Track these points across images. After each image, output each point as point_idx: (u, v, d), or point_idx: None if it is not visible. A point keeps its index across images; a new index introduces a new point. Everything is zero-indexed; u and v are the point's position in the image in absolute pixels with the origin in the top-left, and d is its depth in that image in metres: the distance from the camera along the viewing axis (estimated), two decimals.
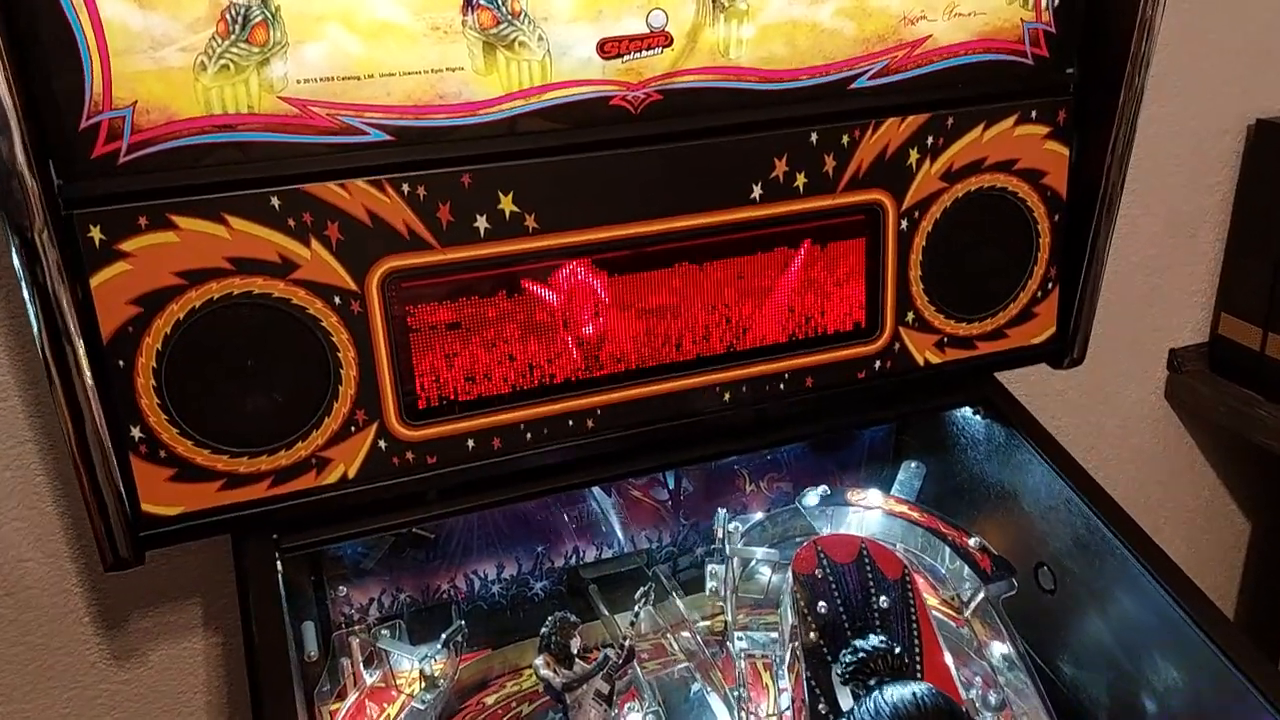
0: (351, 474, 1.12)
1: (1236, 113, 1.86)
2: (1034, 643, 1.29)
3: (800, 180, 1.19)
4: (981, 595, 1.23)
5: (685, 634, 1.28)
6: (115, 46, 0.93)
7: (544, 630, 1.14)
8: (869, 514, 1.35)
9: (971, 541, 1.29)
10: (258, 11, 0.96)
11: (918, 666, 1.08)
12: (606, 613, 1.33)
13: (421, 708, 1.20)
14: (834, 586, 1.14)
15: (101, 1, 0.91)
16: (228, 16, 0.95)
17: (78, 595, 1.43)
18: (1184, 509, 2.16)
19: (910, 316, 1.30)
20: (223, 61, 0.96)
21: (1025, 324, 1.37)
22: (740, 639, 1.22)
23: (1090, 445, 2.00)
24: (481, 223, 1.09)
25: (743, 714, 1.15)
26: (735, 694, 1.17)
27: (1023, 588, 1.27)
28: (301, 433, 1.09)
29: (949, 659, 1.11)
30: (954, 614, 1.24)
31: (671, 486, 1.45)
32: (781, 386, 1.27)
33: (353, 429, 1.11)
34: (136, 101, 0.95)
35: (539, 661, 1.13)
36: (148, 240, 0.98)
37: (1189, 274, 1.97)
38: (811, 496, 1.37)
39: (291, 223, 1.02)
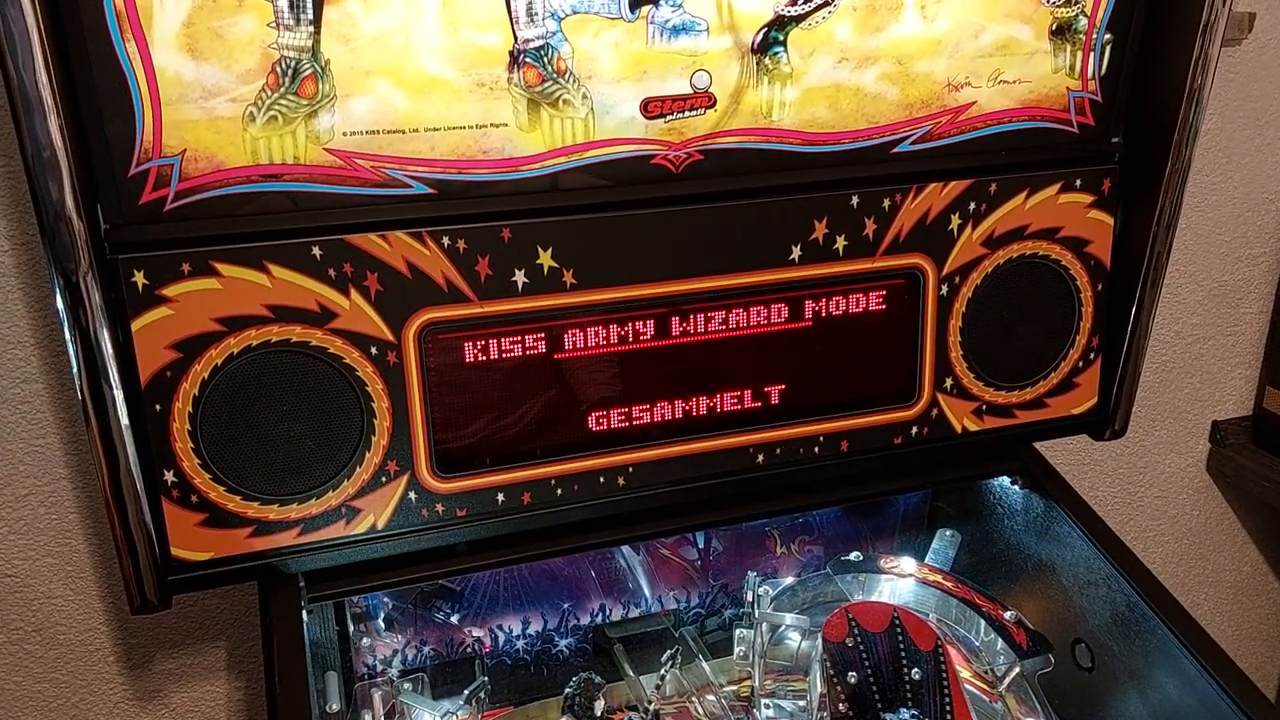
0: (381, 524, 1.12)
1: None
2: None
3: (840, 243, 1.19)
4: (1017, 670, 1.20)
5: (711, 698, 1.26)
6: (167, 96, 0.94)
7: (568, 690, 1.13)
8: (902, 582, 1.32)
9: (1007, 615, 1.26)
10: (308, 65, 0.97)
11: None
12: (632, 673, 1.31)
13: None
14: (865, 656, 1.12)
15: (156, 52, 0.93)
16: (278, 69, 0.97)
17: (104, 634, 1.43)
18: (1225, 584, 2.11)
19: (949, 383, 1.28)
20: (271, 113, 0.97)
21: (1066, 394, 1.35)
22: (767, 706, 1.20)
23: (1129, 516, 1.96)
24: (520, 277, 1.09)
25: None
26: None
27: (1059, 664, 1.24)
28: (332, 482, 1.09)
29: None
30: (987, 688, 1.21)
31: (701, 546, 1.43)
32: (816, 450, 1.25)
33: (383, 479, 1.10)
34: (185, 150, 0.97)
35: None
36: (190, 286, 0.99)
37: (1232, 345, 1.94)
38: (843, 562, 1.35)
39: (332, 272, 1.03)
